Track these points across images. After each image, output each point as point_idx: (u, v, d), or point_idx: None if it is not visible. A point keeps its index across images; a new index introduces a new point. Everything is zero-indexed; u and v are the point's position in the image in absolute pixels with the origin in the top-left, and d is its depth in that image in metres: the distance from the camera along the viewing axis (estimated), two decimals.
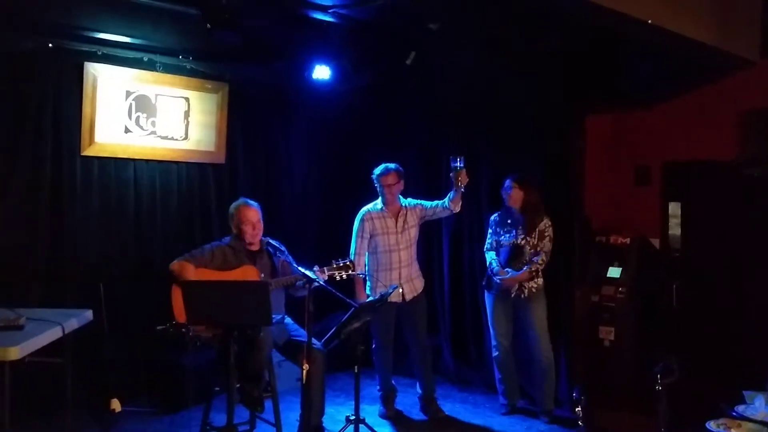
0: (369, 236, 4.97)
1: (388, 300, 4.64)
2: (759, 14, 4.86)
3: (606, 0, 3.68)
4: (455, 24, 4.55)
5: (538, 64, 4.96)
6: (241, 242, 4.40)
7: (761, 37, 4.88)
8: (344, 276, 4.36)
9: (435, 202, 5.02)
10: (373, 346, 5.09)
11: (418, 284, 5.10)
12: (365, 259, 5.01)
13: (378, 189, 4.99)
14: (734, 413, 3.25)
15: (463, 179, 4.71)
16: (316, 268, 4.24)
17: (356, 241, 4.99)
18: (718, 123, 5.21)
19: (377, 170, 4.97)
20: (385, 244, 4.95)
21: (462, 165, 4.68)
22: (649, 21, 3.90)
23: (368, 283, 5.00)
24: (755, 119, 5.00)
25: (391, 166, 4.96)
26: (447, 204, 4.88)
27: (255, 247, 4.43)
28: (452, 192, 4.80)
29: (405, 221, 5.00)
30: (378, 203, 5.04)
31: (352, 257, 4.88)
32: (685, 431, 3.37)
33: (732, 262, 5.13)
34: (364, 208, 5.05)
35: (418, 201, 5.11)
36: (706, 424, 3.12)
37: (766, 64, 4.92)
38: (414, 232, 5.06)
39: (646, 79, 4.92)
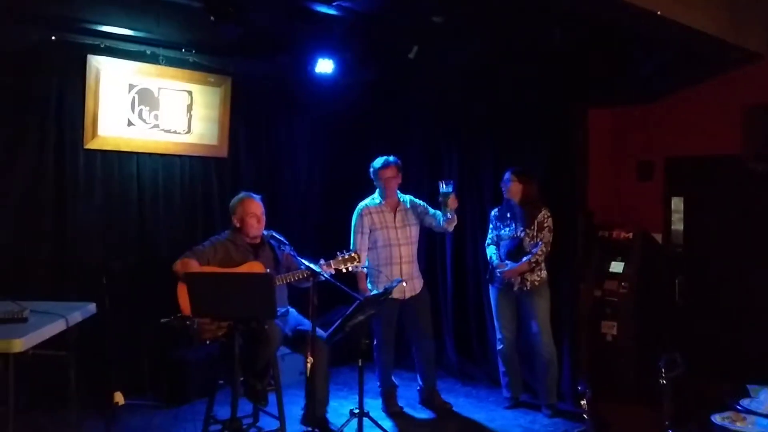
0: (369, 231, 4.93)
1: (391, 296, 4.64)
2: None
3: None
4: (458, 17, 4.54)
5: (541, 57, 4.95)
6: (242, 236, 4.38)
7: None
8: (350, 268, 4.35)
9: (435, 212, 4.94)
10: (375, 343, 5.05)
11: (417, 284, 5.05)
12: (366, 254, 4.94)
13: (376, 183, 4.96)
14: (739, 407, 3.26)
15: (453, 203, 4.67)
16: (321, 261, 4.23)
17: (356, 238, 4.93)
18: (722, 118, 5.19)
19: (376, 163, 4.93)
20: (385, 239, 4.92)
21: (451, 189, 4.65)
22: (658, 12, 3.85)
23: (369, 278, 4.97)
24: (760, 114, 4.97)
25: (390, 158, 4.92)
26: (441, 224, 4.84)
27: (257, 241, 4.41)
28: (443, 215, 4.76)
29: (404, 217, 4.97)
30: (375, 197, 5.00)
31: None
32: (690, 425, 3.38)
33: (735, 257, 5.13)
34: (362, 203, 5.01)
35: (421, 202, 5.06)
36: (711, 418, 3.12)
37: None
38: (415, 231, 5.02)
39: (651, 72, 4.90)
